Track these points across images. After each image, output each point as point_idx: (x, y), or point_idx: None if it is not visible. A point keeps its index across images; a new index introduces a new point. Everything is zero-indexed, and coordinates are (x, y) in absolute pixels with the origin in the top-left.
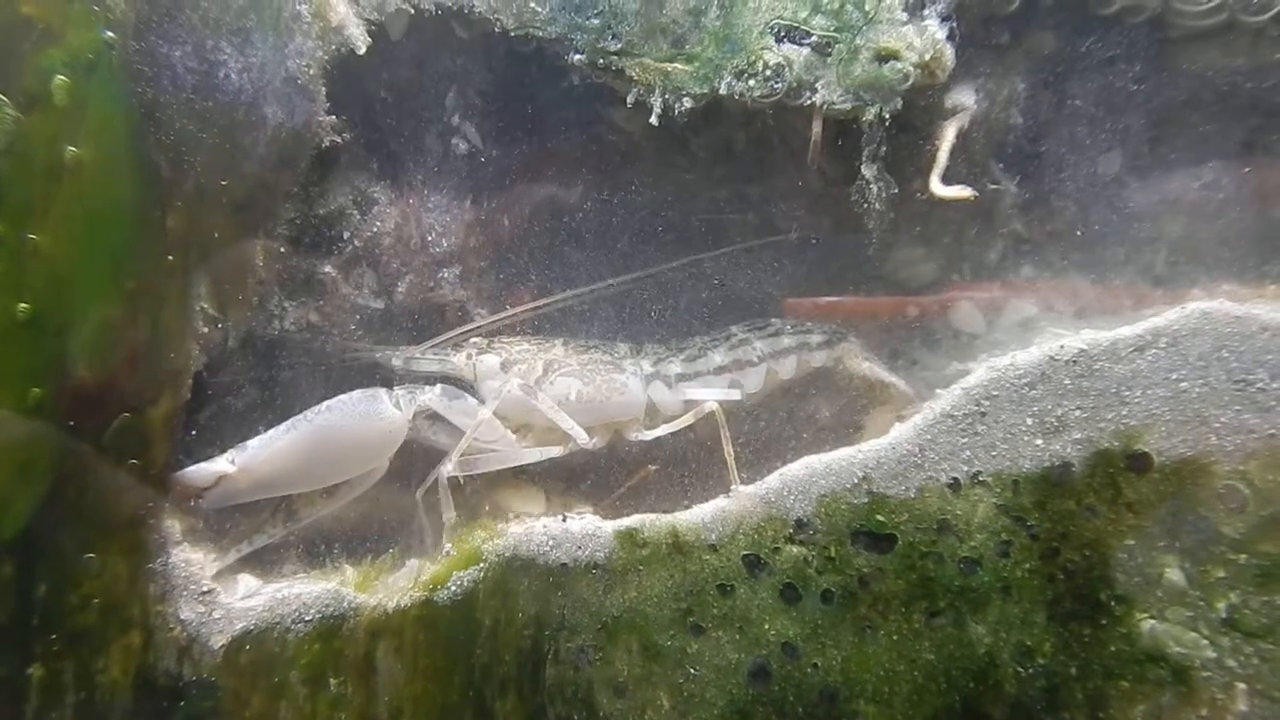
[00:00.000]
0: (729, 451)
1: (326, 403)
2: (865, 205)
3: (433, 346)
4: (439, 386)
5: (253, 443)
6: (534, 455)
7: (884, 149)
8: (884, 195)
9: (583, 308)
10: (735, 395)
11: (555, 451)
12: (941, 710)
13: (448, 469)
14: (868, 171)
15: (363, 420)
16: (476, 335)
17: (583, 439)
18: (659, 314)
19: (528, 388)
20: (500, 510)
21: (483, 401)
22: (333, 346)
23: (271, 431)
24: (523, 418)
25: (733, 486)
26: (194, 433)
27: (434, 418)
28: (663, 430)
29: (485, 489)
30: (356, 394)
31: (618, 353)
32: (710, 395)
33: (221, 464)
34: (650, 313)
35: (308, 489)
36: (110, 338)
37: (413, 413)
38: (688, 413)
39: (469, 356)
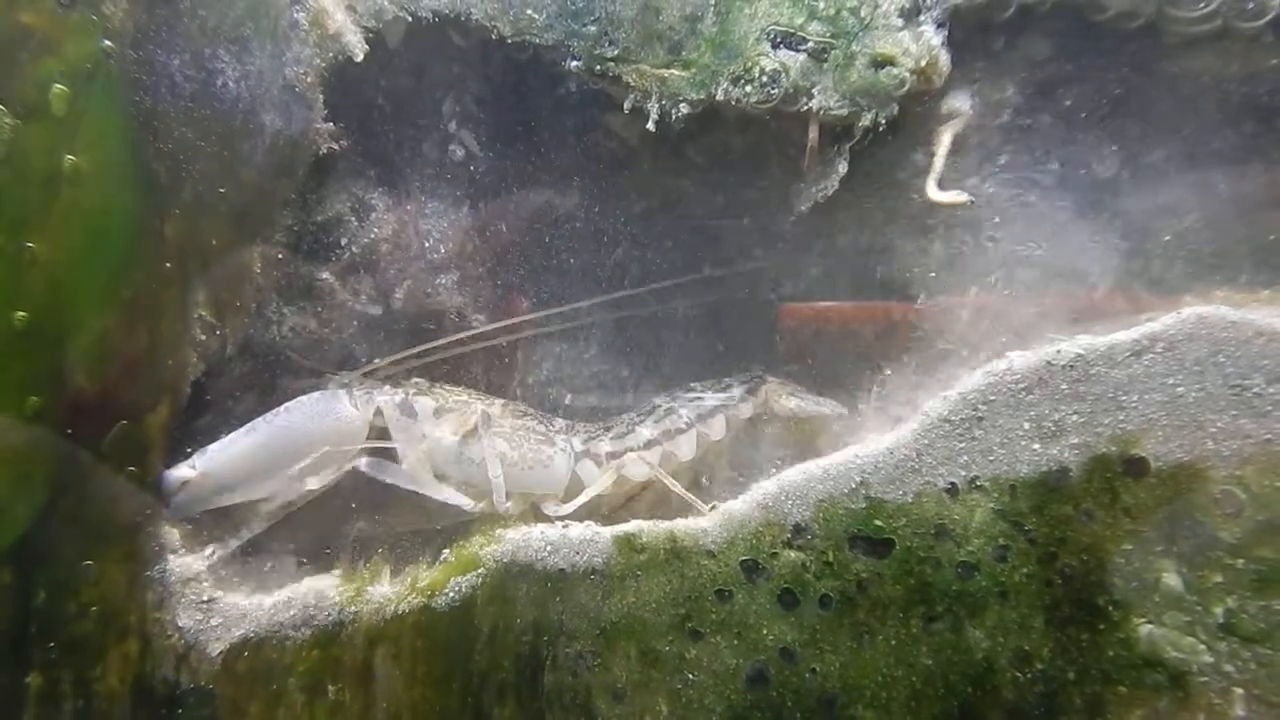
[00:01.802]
0: (677, 489)
1: (286, 404)
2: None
3: (369, 370)
4: (400, 395)
5: (213, 446)
6: (444, 494)
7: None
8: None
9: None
10: (647, 461)
11: (465, 503)
12: (940, 715)
13: (362, 463)
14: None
15: (320, 420)
16: (419, 376)
17: (501, 499)
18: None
19: (480, 429)
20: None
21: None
22: (282, 363)
23: (232, 435)
24: (443, 468)
25: (704, 512)
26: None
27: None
28: (582, 499)
29: None
30: (315, 395)
31: (552, 426)
32: (635, 457)
33: (184, 469)
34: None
35: (270, 492)
36: (108, 346)
37: (372, 412)
38: (606, 477)
39: (406, 395)
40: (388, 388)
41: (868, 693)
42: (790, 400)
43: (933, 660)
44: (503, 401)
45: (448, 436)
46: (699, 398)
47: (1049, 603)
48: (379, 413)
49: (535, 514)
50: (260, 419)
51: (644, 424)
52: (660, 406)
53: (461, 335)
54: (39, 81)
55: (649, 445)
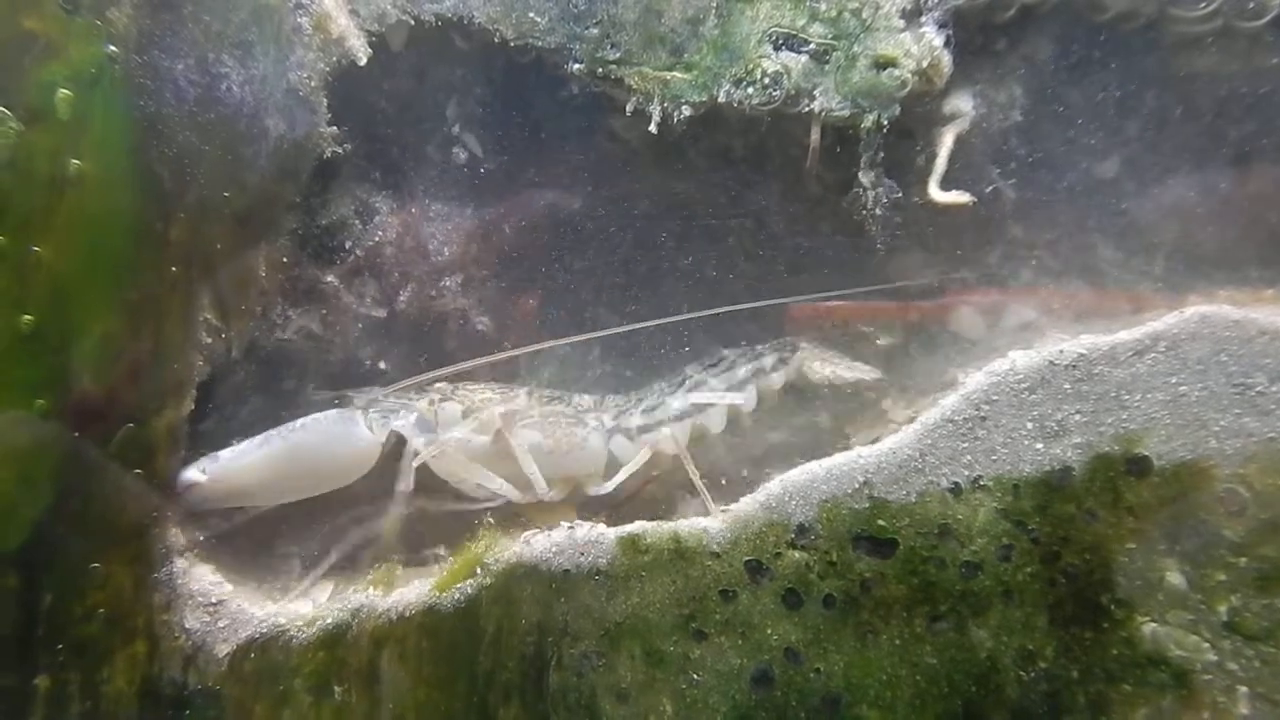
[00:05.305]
0: (697, 480)
1: (301, 420)
2: (864, 211)
3: (396, 390)
4: (415, 415)
5: (224, 454)
6: (497, 485)
7: (881, 155)
8: (882, 201)
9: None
10: (676, 443)
11: (513, 494)
12: (943, 715)
13: (416, 460)
14: (865, 178)
15: (335, 441)
16: (440, 381)
17: (542, 489)
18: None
19: (503, 429)
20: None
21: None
22: (302, 389)
23: (244, 444)
24: (485, 463)
25: (712, 512)
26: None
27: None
28: (620, 476)
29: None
30: (332, 414)
31: (580, 405)
32: (668, 433)
33: (193, 473)
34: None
35: (279, 502)
36: (113, 349)
37: (385, 435)
38: (641, 455)
39: (431, 403)
40: (403, 410)
41: (872, 692)
42: (825, 367)
43: (937, 659)
44: (527, 389)
45: (478, 438)
46: (730, 368)
47: (1052, 602)
48: (396, 437)
49: (579, 495)
50: (274, 432)
51: (674, 395)
52: (690, 377)
53: (487, 359)
54: (44, 86)
55: (680, 418)
